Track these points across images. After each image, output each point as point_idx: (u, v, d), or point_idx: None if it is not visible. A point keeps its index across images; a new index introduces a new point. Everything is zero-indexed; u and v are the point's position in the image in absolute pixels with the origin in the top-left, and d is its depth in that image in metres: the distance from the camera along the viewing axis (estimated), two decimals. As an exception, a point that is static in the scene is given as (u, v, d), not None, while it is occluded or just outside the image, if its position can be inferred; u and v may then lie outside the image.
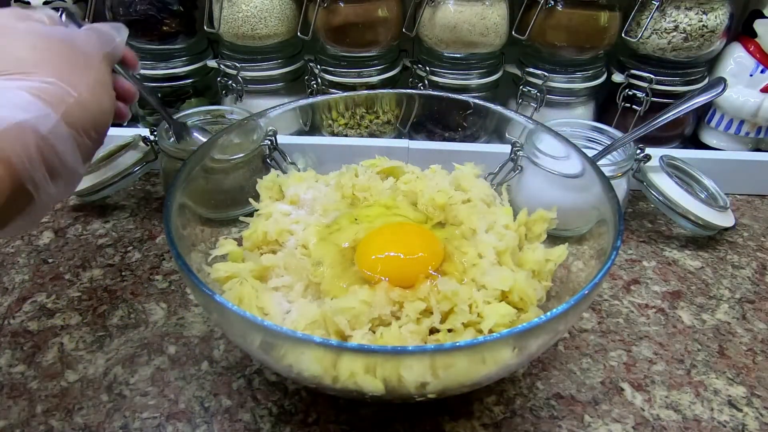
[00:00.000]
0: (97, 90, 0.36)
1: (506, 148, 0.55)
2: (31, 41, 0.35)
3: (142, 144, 0.61)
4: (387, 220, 0.46)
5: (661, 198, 0.56)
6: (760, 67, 0.64)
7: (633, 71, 0.66)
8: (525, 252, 0.45)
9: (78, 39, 0.37)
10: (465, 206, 0.48)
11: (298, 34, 0.65)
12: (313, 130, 0.67)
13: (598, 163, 0.46)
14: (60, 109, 0.33)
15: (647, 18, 0.61)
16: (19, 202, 0.32)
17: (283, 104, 0.54)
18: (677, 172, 0.59)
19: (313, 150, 0.61)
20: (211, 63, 0.70)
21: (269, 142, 0.55)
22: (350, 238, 0.44)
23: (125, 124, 0.71)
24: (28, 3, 0.63)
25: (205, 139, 0.55)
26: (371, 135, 0.67)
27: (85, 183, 0.59)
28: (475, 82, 0.68)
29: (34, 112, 0.31)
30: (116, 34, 0.42)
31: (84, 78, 0.35)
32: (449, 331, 0.38)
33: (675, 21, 0.61)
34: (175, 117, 0.59)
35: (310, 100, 0.60)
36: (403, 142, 0.63)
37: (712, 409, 0.43)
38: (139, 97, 0.47)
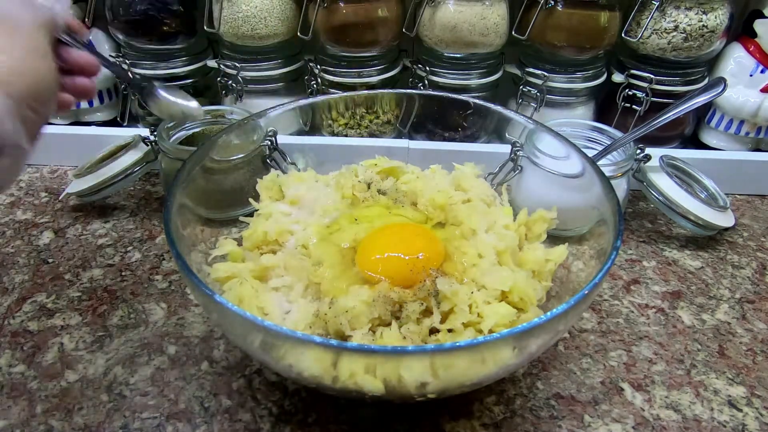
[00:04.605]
0: (31, 57, 0.34)
1: (506, 148, 0.55)
2: None
3: (142, 144, 0.61)
4: (387, 220, 0.46)
5: (661, 198, 0.56)
6: (760, 67, 0.64)
7: (633, 71, 0.66)
8: (525, 252, 0.45)
9: (3, 8, 0.35)
10: (465, 206, 0.48)
11: (298, 34, 0.65)
12: (313, 130, 0.67)
13: (598, 163, 0.46)
14: None
15: (647, 18, 0.61)
16: None
17: (283, 104, 0.54)
18: (677, 172, 0.59)
19: (313, 150, 0.61)
20: (211, 63, 0.70)
21: (269, 142, 0.55)
22: (350, 239, 0.44)
23: (125, 123, 0.71)
24: None
25: (172, 97, 0.50)
26: (371, 135, 0.67)
27: (85, 183, 0.59)
28: (475, 82, 0.68)
29: None
30: (54, 2, 0.39)
31: (14, 45, 0.33)
32: (449, 331, 0.38)
33: (675, 21, 0.61)
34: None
35: (310, 100, 0.60)
36: (403, 142, 0.63)
37: (712, 409, 0.43)
38: (100, 68, 0.43)
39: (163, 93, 0.49)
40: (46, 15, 0.37)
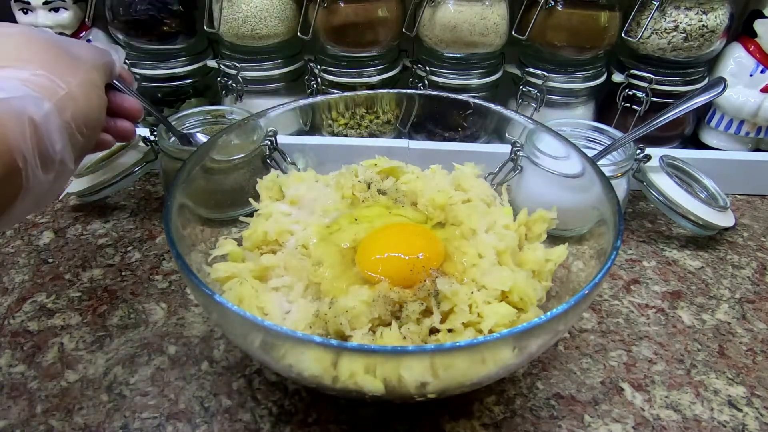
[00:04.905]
0: (87, 88, 0.38)
1: (506, 148, 0.55)
2: (20, 39, 0.36)
3: (142, 144, 0.61)
4: (387, 220, 0.46)
5: (661, 198, 0.56)
6: (760, 67, 0.64)
7: (633, 71, 0.66)
8: (525, 252, 0.45)
9: (69, 43, 0.39)
10: (465, 206, 0.48)
11: (298, 34, 0.65)
12: (313, 130, 0.67)
13: (598, 163, 0.46)
14: (52, 99, 0.34)
15: (647, 18, 0.61)
16: (10, 185, 0.32)
17: (283, 104, 0.54)
18: (677, 172, 0.59)
19: (313, 150, 0.61)
20: (211, 63, 0.70)
21: (269, 142, 0.55)
22: (350, 239, 0.44)
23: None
24: (28, 3, 0.63)
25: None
26: (371, 135, 0.67)
27: (85, 183, 0.59)
28: (475, 82, 0.68)
29: (25, 94, 0.33)
30: (113, 51, 0.44)
31: (73, 75, 0.37)
32: (449, 331, 0.38)
33: (675, 21, 0.61)
34: (175, 117, 0.60)
35: (310, 100, 0.60)
36: (403, 142, 0.63)
37: (712, 409, 0.43)
38: (144, 113, 0.49)
39: (200, 138, 0.59)
40: (104, 59, 0.42)
